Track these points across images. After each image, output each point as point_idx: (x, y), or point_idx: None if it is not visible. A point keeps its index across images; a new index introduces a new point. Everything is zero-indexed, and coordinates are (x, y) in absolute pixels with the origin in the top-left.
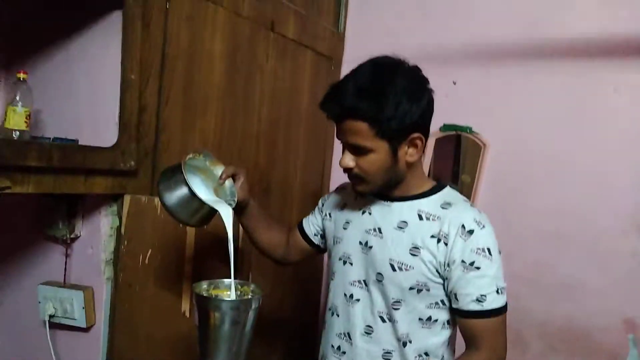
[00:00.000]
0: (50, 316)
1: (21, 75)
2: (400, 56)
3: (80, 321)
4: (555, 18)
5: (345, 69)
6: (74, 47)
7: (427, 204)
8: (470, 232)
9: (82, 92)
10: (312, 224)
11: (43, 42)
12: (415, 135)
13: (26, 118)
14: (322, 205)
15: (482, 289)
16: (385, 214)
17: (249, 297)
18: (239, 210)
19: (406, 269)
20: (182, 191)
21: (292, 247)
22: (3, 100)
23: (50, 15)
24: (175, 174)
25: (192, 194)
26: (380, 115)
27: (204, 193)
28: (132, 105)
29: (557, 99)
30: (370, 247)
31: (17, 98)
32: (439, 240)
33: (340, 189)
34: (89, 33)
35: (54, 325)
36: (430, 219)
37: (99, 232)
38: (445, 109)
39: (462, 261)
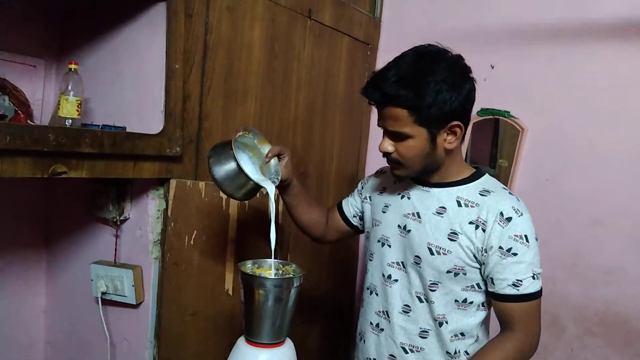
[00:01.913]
0: (103, 293)
1: (72, 66)
2: (443, 45)
3: (130, 298)
4: None
5: (381, 55)
6: (120, 38)
7: (466, 191)
8: (509, 219)
9: (128, 81)
10: (351, 206)
11: (91, 33)
12: (455, 123)
13: (78, 107)
14: (362, 188)
15: (518, 274)
16: (424, 199)
17: (291, 275)
18: (282, 188)
19: (444, 253)
20: (230, 166)
21: (331, 227)
22: (56, 89)
23: (98, 7)
24: (225, 149)
25: (240, 169)
26: (420, 103)
27: (251, 169)
28: (177, 93)
29: (599, 83)
30: (409, 231)
31: (69, 87)
32: (477, 227)
33: (379, 173)
34: (135, 24)
35: (106, 302)
36: (469, 205)
37: (146, 215)
38: (482, 92)
39: (500, 247)
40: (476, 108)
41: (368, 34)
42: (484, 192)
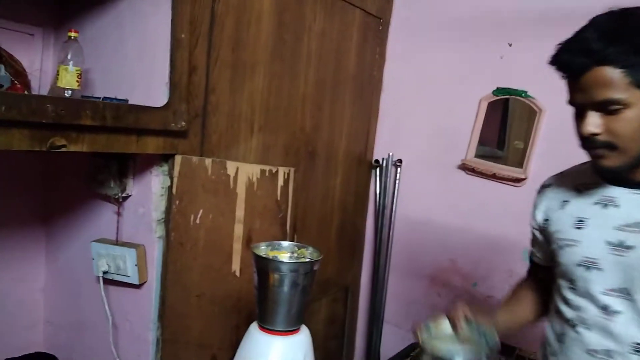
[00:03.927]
0: (104, 272)
1: (72, 34)
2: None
3: (133, 278)
4: None
5: (394, 31)
6: (123, 5)
7: None
8: None
9: (131, 51)
10: (540, 252)
11: (93, 0)
12: None
13: (78, 77)
14: (534, 219)
15: None
16: None
17: (308, 259)
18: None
19: None
20: None
21: (539, 282)
22: (55, 59)
23: None
24: None
25: None
26: (638, 59)
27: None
28: (183, 65)
29: None
30: (630, 248)
31: (69, 57)
32: None
33: (544, 189)
34: None
35: (108, 282)
36: None
37: (150, 192)
38: (499, 71)
39: None
40: (492, 87)
41: (381, 7)
42: None
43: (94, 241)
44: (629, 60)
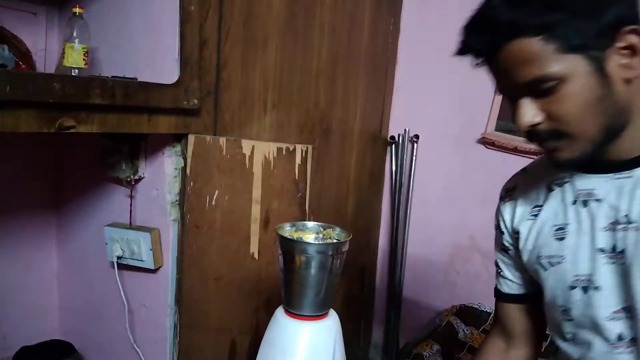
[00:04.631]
0: (118, 257)
1: (77, 10)
2: None
3: (148, 262)
4: None
5: (407, 3)
6: None
7: None
8: None
9: (139, 26)
10: (512, 275)
11: None
12: (628, 29)
13: (84, 55)
14: (500, 227)
15: None
16: (624, 191)
17: (336, 240)
18: None
19: None
20: None
21: (517, 331)
22: (59, 38)
23: None
24: None
25: None
26: (556, 16)
27: None
28: (193, 39)
29: None
30: (622, 252)
31: (74, 34)
32: None
33: (509, 191)
34: None
35: (122, 267)
36: None
37: (163, 173)
38: None
39: None
40: None
41: None
42: None
43: (107, 225)
44: (544, 21)
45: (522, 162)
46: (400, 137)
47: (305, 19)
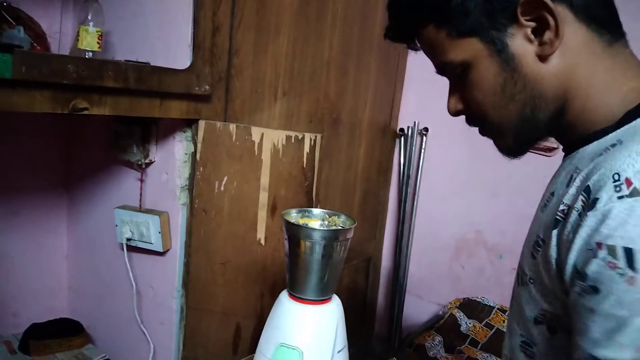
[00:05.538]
0: (128, 239)
1: None
2: None
3: (157, 245)
4: None
5: None
6: None
7: (591, 151)
8: (595, 202)
9: (152, 11)
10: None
11: None
12: (532, 0)
13: (98, 38)
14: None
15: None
16: (561, 173)
17: (341, 227)
18: None
19: None
20: None
21: None
22: (74, 21)
23: None
24: None
25: None
26: (441, 2)
27: None
28: (206, 25)
29: None
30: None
31: (89, 17)
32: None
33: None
34: None
35: (131, 249)
36: (573, 181)
37: (173, 158)
38: None
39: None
40: None
41: None
42: (609, 148)
43: (118, 208)
44: (431, 7)
45: (531, 157)
46: (410, 130)
47: (317, 8)
